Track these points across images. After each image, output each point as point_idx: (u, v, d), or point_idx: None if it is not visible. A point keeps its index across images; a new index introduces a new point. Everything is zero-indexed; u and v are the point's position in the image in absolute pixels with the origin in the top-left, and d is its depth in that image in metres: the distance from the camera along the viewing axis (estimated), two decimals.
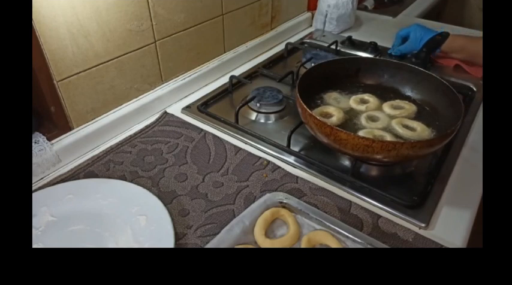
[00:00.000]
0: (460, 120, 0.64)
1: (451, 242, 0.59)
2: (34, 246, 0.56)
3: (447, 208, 0.65)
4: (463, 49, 1.02)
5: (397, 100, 0.80)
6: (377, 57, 1.06)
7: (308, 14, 1.35)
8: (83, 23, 0.67)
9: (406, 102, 0.79)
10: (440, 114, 0.75)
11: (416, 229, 0.61)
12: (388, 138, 0.70)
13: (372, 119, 0.75)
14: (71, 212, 0.61)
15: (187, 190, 0.67)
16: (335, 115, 0.75)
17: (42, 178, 0.69)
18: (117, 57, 0.76)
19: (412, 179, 0.72)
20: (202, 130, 0.82)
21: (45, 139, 0.69)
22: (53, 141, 0.71)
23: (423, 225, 0.61)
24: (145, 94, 0.85)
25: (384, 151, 0.60)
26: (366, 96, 0.81)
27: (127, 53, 0.77)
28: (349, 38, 1.22)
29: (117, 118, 0.80)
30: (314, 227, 0.59)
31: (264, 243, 0.55)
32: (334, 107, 0.77)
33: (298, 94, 0.69)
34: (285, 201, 0.61)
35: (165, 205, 0.62)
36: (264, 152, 0.76)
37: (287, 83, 0.99)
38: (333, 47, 1.15)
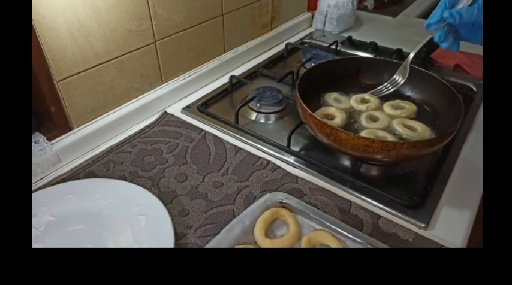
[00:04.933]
0: (460, 120, 0.64)
1: (451, 242, 0.59)
2: (34, 246, 0.56)
3: (447, 208, 0.65)
4: None
5: (397, 100, 0.80)
6: (377, 57, 1.06)
7: (308, 14, 1.35)
8: (83, 23, 0.67)
9: (406, 102, 0.79)
10: (440, 114, 0.75)
11: (416, 229, 0.61)
12: (390, 138, 0.70)
13: (372, 119, 0.75)
14: (71, 212, 0.61)
15: (187, 190, 0.67)
16: (338, 116, 0.75)
17: (42, 178, 0.69)
18: (117, 57, 0.76)
19: (412, 179, 0.72)
20: (202, 130, 0.82)
21: (45, 139, 0.69)
22: (53, 141, 0.71)
23: (423, 225, 0.61)
24: (145, 94, 0.86)
25: (384, 151, 0.60)
26: (367, 96, 0.81)
27: (127, 53, 0.77)
28: (349, 38, 1.22)
29: (117, 118, 0.80)
30: (314, 227, 0.59)
31: (264, 243, 0.55)
32: (335, 108, 0.77)
33: (298, 94, 0.69)
34: (285, 201, 0.61)
35: (165, 205, 0.62)
36: (264, 152, 0.76)
37: (287, 83, 0.99)
38: (333, 46, 1.15)
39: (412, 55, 0.67)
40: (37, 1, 0.59)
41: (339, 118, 0.74)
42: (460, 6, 0.58)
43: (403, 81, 0.68)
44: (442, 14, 0.60)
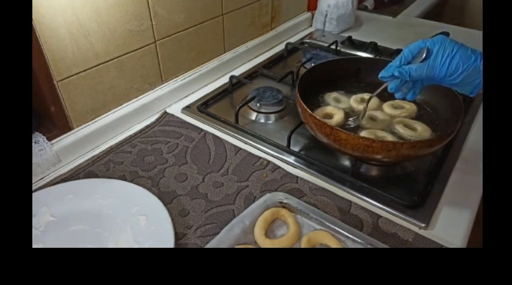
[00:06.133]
0: (460, 120, 0.64)
1: (451, 242, 0.59)
2: (34, 246, 0.56)
3: (447, 208, 0.65)
4: None
5: (397, 100, 0.79)
6: (377, 57, 1.06)
7: (308, 14, 1.35)
8: (83, 23, 0.67)
9: (406, 101, 0.79)
10: (440, 114, 0.75)
11: (416, 229, 0.61)
12: (390, 138, 0.70)
13: (372, 119, 0.75)
14: (71, 212, 0.61)
15: (187, 190, 0.67)
16: (336, 113, 0.74)
17: (42, 178, 0.69)
18: (117, 57, 0.76)
19: (412, 179, 0.72)
20: (202, 130, 0.82)
21: (45, 139, 0.69)
22: (53, 141, 0.71)
23: (423, 225, 0.61)
24: (145, 94, 0.86)
25: (383, 151, 0.60)
26: (366, 95, 0.81)
27: (127, 53, 0.77)
28: (349, 38, 1.22)
29: (117, 118, 0.80)
30: (314, 227, 0.59)
31: (264, 243, 0.55)
32: (334, 107, 0.77)
33: (298, 94, 0.69)
34: (285, 201, 0.61)
35: (165, 205, 0.62)
36: (264, 152, 0.76)
37: (287, 83, 0.99)
38: (333, 47, 1.15)
39: (373, 97, 0.70)
40: (37, 1, 0.59)
41: (338, 116, 0.74)
42: (418, 61, 0.60)
43: (363, 120, 0.74)
44: (393, 71, 0.62)
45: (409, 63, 0.61)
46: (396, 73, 0.61)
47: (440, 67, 0.58)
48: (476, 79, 0.58)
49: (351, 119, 0.74)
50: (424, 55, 0.59)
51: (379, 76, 0.64)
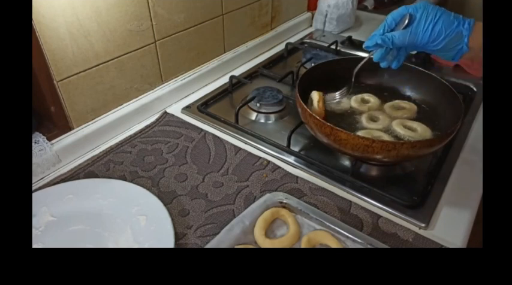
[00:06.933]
0: (460, 120, 0.64)
1: (451, 242, 0.59)
2: (34, 246, 0.56)
3: (447, 208, 0.65)
4: None
5: (398, 100, 0.80)
6: None
7: (308, 14, 1.35)
8: (83, 23, 0.67)
9: (407, 102, 0.79)
10: (440, 114, 0.75)
11: (416, 229, 0.61)
12: (386, 138, 0.70)
13: (373, 119, 0.75)
14: (71, 212, 0.61)
15: (187, 190, 0.67)
16: (314, 99, 0.73)
17: (42, 178, 0.69)
18: (117, 57, 0.76)
19: (412, 179, 0.72)
20: (202, 130, 0.82)
21: (45, 139, 0.69)
22: (53, 141, 0.71)
23: (423, 225, 0.61)
24: (145, 94, 0.86)
25: (383, 151, 0.60)
26: (366, 96, 0.81)
27: (127, 53, 0.77)
28: (349, 38, 1.22)
29: (117, 118, 0.80)
30: (314, 227, 0.59)
31: (264, 243, 0.55)
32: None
33: (298, 94, 0.69)
34: (285, 201, 0.61)
35: (165, 205, 0.62)
36: (264, 152, 0.76)
37: (287, 83, 0.99)
38: (333, 47, 1.15)
39: (355, 71, 0.71)
40: (37, 1, 0.59)
41: (315, 96, 0.73)
42: (401, 28, 0.60)
43: (348, 92, 0.74)
44: (377, 39, 0.62)
45: (392, 30, 0.61)
46: (379, 41, 0.61)
47: (423, 33, 0.58)
48: (459, 45, 0.58)
49: (337, 93, 0.73)
50: (406, 21, 0.59)
51: (364, 46, 0.64)
